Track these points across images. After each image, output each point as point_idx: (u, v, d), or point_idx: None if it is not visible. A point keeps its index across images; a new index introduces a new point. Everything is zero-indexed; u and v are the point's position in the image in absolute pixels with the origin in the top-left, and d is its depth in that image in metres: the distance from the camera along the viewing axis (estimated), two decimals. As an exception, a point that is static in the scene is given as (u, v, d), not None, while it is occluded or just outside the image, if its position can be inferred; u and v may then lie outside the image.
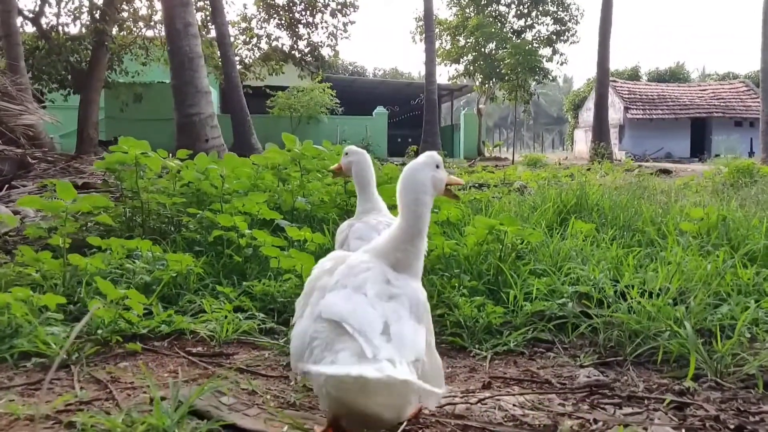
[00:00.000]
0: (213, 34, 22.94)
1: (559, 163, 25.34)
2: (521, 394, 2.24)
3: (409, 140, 35.33)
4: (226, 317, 2.98)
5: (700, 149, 39.11)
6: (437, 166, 2.02)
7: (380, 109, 34.39)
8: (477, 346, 2.79)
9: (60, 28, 21.80)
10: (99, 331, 2.63)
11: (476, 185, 13.21)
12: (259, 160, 6.01)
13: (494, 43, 36.37)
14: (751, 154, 35.29)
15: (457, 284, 3.32)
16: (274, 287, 3.41)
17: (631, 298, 2.86)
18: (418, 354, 1.63)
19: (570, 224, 4.88)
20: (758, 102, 39.90)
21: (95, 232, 4.87)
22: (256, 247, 4.09)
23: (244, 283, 3.56)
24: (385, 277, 1.77)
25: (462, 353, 2.74)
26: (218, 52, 22.15)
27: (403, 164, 15.16)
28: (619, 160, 26.23)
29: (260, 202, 4.47)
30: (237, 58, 29.04)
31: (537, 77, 33.19)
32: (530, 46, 33.04)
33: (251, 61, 30.21)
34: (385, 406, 1.56)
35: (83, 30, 22.00)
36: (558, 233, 4.47)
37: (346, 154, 3.18)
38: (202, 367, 2.45)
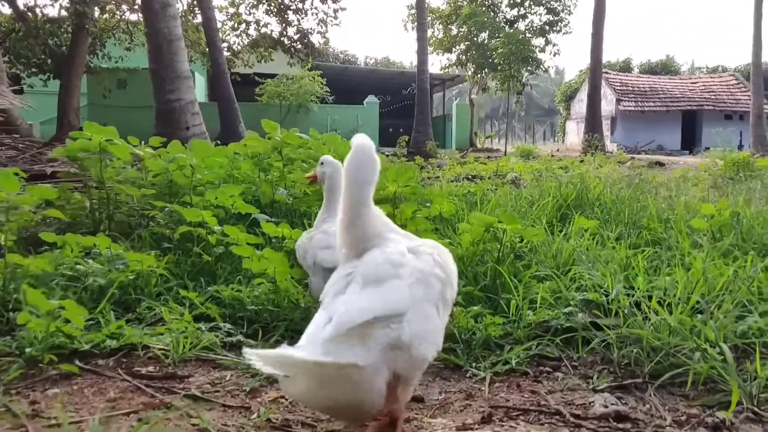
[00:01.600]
0: (200, 19, 22.33)
1: (552, 155, 24.98)
2: None
3: (401, 130, 34.86)
4: (186, 329, 2.59)
5: (691, 142, 38.94)
6: None
7: (371, 99, 33.88)
8: (474, 364, 2.42)
9: (38, 9, 21.01)
10: (29, 349, 2.23)
11: (469, 177, 12.86)
12: (238, 149, 5.62)
13: (487, 33, 35.92)
14: (740, 147, 35.16)
15: (450, 290, 2.95)
16: (245, 292, 3.02)
17: (648, 309, 2.49)
18: (353, 317, 1.56)
19: (572, 221, 4.54)
20: (748, 95, 39.88)
21: (54, 227, 4.47)
22: (229, 244, 3.70)
23: (209, 288, 3.16)
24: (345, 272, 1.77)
25: (457, 373, 2.36)
26: (205, 38, 21.57)
27: (395, 155, 14.74)
28: (611, 152, 25.95)
29: (234, 194, 4.07)
30: (225, 45, 28.47)
31: (530, 68, 32.77)
32: (523, 36, 32.60)
33: (239, 47, 29.62)
34: (328, 397, 1.53)
35: (62, 12, 21.28)
36: (559, 230, 4.12)
37: (321, 163, 3.09)
38: (149, 393, 2.07)
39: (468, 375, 2.35)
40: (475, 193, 5.49)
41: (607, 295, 2.76)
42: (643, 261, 3.30)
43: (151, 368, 2.31)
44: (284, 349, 1.49)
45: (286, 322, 2.84)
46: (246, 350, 1.52)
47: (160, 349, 2.44)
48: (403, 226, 3.89)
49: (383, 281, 1.67)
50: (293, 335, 2.75)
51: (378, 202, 4.02)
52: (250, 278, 3.31)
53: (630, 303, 2.61)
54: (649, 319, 2.48)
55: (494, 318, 2.60)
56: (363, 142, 1.83)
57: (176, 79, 10.04)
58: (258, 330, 2.79)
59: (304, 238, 2.90)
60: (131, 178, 5.06)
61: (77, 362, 2.28)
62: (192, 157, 4.19)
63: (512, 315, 2.71)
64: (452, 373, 2.39)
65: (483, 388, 2.23)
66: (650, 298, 2.69)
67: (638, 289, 2.73)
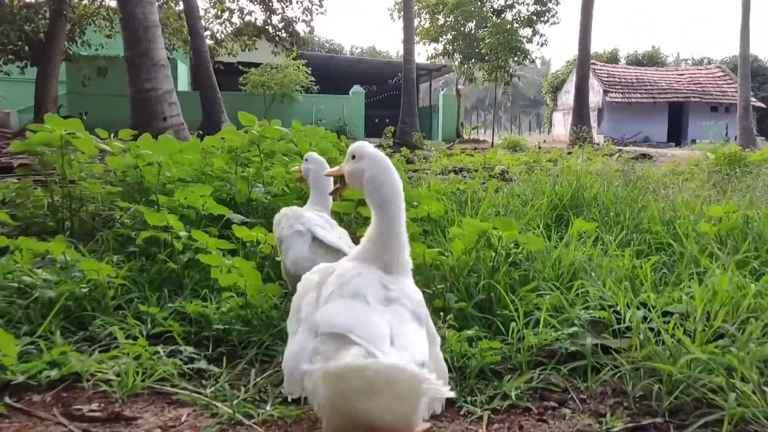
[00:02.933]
0: (182, 6, 21.79)
1: (539, 147, 24.80)
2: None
3: (387, 121, 34.49)
4: (140, 354, 2.27)
5: (677, 134, 38.90)
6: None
7: (357, 89, 33.44)
8: (469, 398, 2.11)
9: (13, -7, 20.42)
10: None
11: (456, 170, 12.57)
12: (215, 143, 5.27)
13: (474, 23, 35.58)
14: (726, 139, 35.10)
15: (442, 305, 2.65)
16: (210, 309, 2.69)
17: (667, 332, 2.20)
18: (424, 357, 1.53)
19: (570, 223, 4.25)
20: (734, 87, 39.90)
21: (10, 228, 4.11)
22: (199, 249, 3.37)
23: (170, 305, 2.83)
24: (379, 281, 1.67)
25: (449, 410, 2.05)
26: (187, 26, 21.06)
27: (380, 146, 14.42)
28: (598, 144, 25.76)
29: (205, 194, 3.73)
30: (208, 33, 27.93)
31: (517, 58, 32.45)
32: (510, 26, 32.26)
33: (223, 36, 29.10)
34: (389, 411, 1.39)
35: (40, -3, 20.70)
36: (555, 233, 3.83)
37: (306, 160, 3.10)
38: (86, 442, 1.75)
39: (462, 412, 2.04)
40: (465, 191, 5.19)
41: (616, 313, 2.47)
42: (650, 270, 3.02)
43: (95, 405, 1.98)
44: (392, 357, 1.40)
45: (258, 343, 2.52)
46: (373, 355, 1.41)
47: (108, 381, 2.12)
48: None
49: (422, 321, 1.67)
50: (264, 360, 2.44)
51: (361, 203, 3.72)
52: (220, 289, 2.99)
53: (642, 322, 2.32)
54: (664, 342, 2.19)
55: (491, 343, 2.29)
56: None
57: (153, 68, 9.62)
58: (224, 353, 2.47)
59: (281, 215, 2.94)
60: (97, 175, 4.72)
61: (7, 399, 1.96)
62: (159, 153, 3.83)
63: (511, 337, 2.41)
64: (444, 409, 2.08)
65: (480, 430, 1.93)
66: (664, 315, 2.41)
67: (651, 306, 2.44)
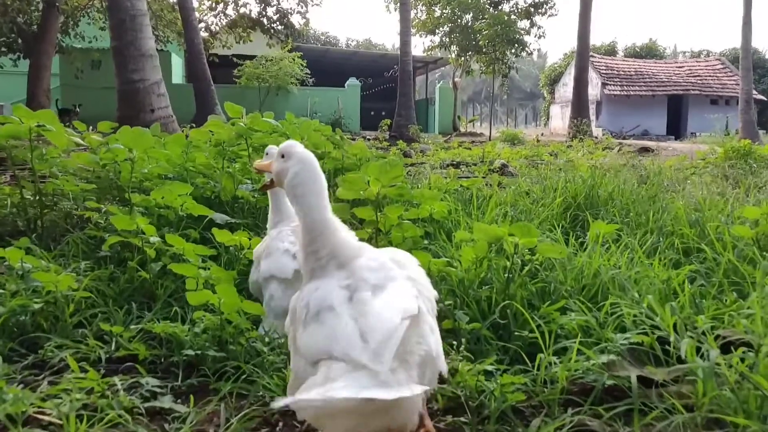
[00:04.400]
0: (175, -3, 21.41)
1: (537, 140, 24.43)
2: None
3: (383, 113, 34.09)
4: (92, 390, 1.89)
5: (676, 127, 38.57)
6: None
7: (353, 81, 32.99)
8: (488, 448, 1.74)
9: (6, -15, 20.09)
10: None
11: (454, 163, 12.20)
12: (199, 136, 4.89)
13: (471, 15, 35.09)
14: (726, 132, 34.78)
15: (451, 328, 2.27)
16: (182, 331, 2.31)
17: (729, 366, 1.82)
18: (406, 312, 1.45)
19: (586, 225, 3.89)
20: (734, 80, 39.55)
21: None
22: (176, 255, 3.00)
23: (140, 320, 2.45)
24: (336, 283, 1.58)
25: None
26: (180, 17, 20.64)
27: (376, 139, 14.06)
28: (597, 137, 25.39)
29: (183, 193, 3.34)
30: (202, 25, 27.54)
31: (515, 50, 31.99)
32: (508, 17, 31.81)
33: (218, 28, 28.69)
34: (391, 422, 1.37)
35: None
36: (573, 236, 3.45)
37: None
38: None
39: (482, 468, 1.67)
40: (468, 189, 4.81)
41: (658, 337, 2.09)
42: (682, 280, 2.65)
43: (26, 463, 1.60)
44: (329, 391, 1.30)
45: (235, 373, 2.14)
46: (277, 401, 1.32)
47: (49, 425, 1.74)
48: (388, 233, 3.22)
49: (388, 284, 1.55)
50: (241, 393, 2.06)
51: (358, 204, 3.34)
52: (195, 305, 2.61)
53: (701, 353, 1.94)
54: (718, 374, 1.81)
55: (513, 378, 1.90)
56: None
57: (140, 58, 9.21)
58: (193, 385, 2.10)
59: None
60: (71, 171, 4.34)
61: None
62: (134, 147, 3.43)
63: (535, 369, 2.03)
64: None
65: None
66: (717, 338, 2.04)
67: (698, 328, 2.06)
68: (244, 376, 2.11)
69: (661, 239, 3.42)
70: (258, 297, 2.68)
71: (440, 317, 2.39)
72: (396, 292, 1.53)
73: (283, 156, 1.83)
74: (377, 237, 3.06)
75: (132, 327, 2.48)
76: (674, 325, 2.01)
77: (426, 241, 3.39)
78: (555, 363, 2.02)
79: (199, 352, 2.20)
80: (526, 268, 2.67)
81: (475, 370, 1.92)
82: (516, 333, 2.33)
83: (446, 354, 2.14)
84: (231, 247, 3.25)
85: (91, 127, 4.98)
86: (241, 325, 2.32)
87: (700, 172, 8.44)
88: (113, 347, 2.42)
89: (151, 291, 2.92)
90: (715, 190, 5.30)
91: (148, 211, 3.51)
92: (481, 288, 2.59)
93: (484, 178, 9.23)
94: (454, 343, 2.13)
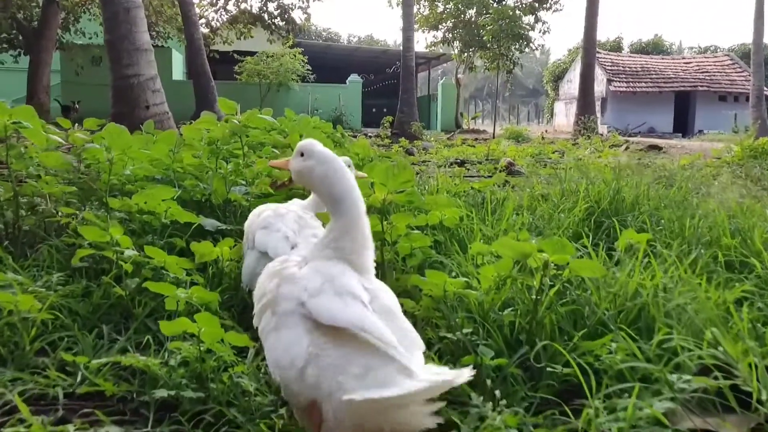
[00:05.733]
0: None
1: (543, 137, 24.05)
2: None
3: (385, 110, 33.75)
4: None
5: (683, 124, 38.11)
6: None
7: (354, 77, 32.64)
8: None
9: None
10: None
11: (458, 161, 11.85)
12: (192, 134, 4.54)
13: (474, 9, 34.69)
14: (735, 130, 34.34)
15: (473, 364, 1.92)
16: (154, 364, 1.95)
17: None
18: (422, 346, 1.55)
19: (611, 231, 3.54)
20: (743, 76, 39.04)
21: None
22: (158, 269, 2.65)
23: (94, 362, 2.10)
24: (361, 283, 1.60)
25: None
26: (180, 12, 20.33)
27: (378, 136, 13.72)
28: (603, 135, 25.00)
29: (167, 197, 2.99)
30: (203, 21, 27.23)
31: (519, 45, 31.55)
32: (513, 12, 31.38)
33: (218, 23, 28.38)
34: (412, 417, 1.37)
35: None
36: (602, 247, 3.09)
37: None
38: None
39: None
40: (480, 192, 4.45)
41: (723, 371, 1.74)
42: (737, 302, 2.30)
43: None
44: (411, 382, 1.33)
45: (215, 419, 1.79)
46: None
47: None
48: (394, 244, 2.87)
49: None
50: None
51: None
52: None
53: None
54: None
55: (554, 435, 1.55)
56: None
57: (134, 52, 8.84)
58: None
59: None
60: (53, 172, 3.99)
61: None
62: (112, 147, 3.07)
63: (582, 422, 1.67)
64: None
65: None
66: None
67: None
68: (225, 420, 1.76)
69: (701, 251, 3.05)
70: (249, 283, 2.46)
71: (459, 350, 2.05)
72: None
73: (302, 154, 1.80)
74: (382, 249, 2.70)
75: (101, 357, 2.13)
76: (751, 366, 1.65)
77: (435, 252, 3.04)
78: (600, 410, 1.67)
79: (172, 392, 1.85)
80: (554, 288, 2.32)
81: (505, 423, 1.57)
82: (547, 366, 1.98)
83: (467, 396, 1.79)
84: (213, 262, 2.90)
85: (77, 125, 4.64)
86: (225, 357, 1.97)
87: (719, 172, 8.07)
88: (78, 380, 2.08)
89: (128, 309, 2.57)
90: (745, 192, 4.93)
91: (130, 217, 3.16)
92: (502, 311, 2.24)
93: (490, 177, 8.90)
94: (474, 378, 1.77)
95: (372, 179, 2.44)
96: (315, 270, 1.61)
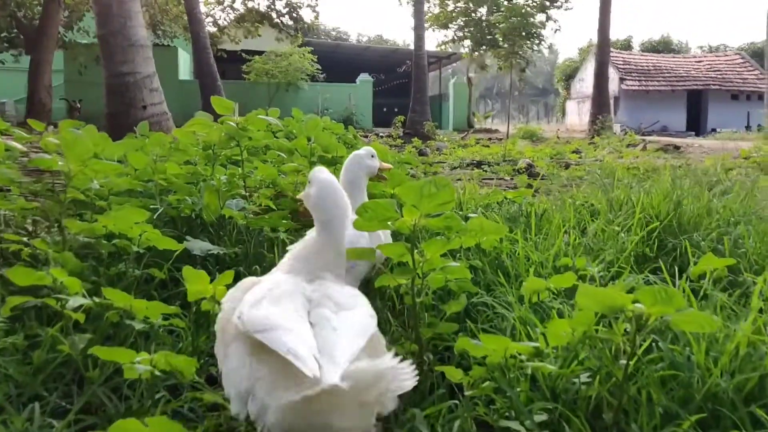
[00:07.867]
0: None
1: (558, 137, 23.45)
2: None
3: (396, 110, 33.22)
4: None
5: (696, 123, 37.54)
6: None
7: (365, 76, 32.09)
8: None
9: (5, -21, 19.51)
10: None
11: (475, 162, 11.28)
12: (185, 137, 3.96)
13: (485, 8, 34.09)
14: (747, 128, 33.70)
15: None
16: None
17: None
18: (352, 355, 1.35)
19: (679, 256, 2.95)
20: (755, 74, 38.48)
21: None
22: (130, 317, 2.05)
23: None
24: (302, 291, 1.58)
25: None
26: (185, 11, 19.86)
27: (389, 135, 13.10)
28: (617, 134, 24.37)
29: (139, 221, 2.40)
30: (210, 19, 26.75)
31: (531, 43, 30.90)
32: (525, 9, 30.76)
33: (226, 22, 27.91)
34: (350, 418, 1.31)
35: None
36: (677, 275, 2.49)
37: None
38: None
39: None
40: (516, 202, 3.85)
41: None
42: None
43: None
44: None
45: None
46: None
47: None
48: (424, 276, 2.27)
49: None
50: None
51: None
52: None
53: None
54: None
55: None
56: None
57: (129, 48, 8.27)
58: None
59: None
60: (19, 182, 3.42)
61: None
62: (70, 156, 2.46)
63: None
64: None
65: None
66: None
67: None
68: None
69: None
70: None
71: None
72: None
73: (310, 182, 1.85)
74: (413, 283, 2.09)
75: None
76: None
77: (472, 280, 2.43)
78: None
79: None
80: (644, 345, 1.73)
81: None
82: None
83: None
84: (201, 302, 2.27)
85: (51, 127, 4.05)
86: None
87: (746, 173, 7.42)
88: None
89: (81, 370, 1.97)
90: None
91: (97, 243, 2.57)
92: (575, 382, 1.65)
93: (511, 179, 8.31)
94: None
95: (402, 199, 1.85)
96: (266, 285, 1.59)
